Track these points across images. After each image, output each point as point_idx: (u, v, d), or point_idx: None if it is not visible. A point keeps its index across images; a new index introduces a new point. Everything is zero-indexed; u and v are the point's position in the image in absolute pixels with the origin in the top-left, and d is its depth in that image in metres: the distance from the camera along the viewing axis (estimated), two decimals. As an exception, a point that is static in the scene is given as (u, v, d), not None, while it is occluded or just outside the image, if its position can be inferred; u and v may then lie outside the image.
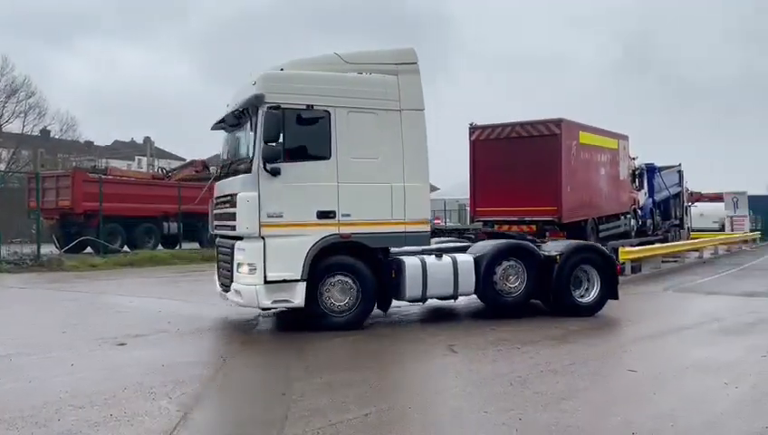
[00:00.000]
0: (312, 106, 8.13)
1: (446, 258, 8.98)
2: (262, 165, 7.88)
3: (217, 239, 9.37)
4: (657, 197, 22.27)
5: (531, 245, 9.93)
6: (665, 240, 21.10)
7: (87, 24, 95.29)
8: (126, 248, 22.32)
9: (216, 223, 9.35)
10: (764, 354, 6.98)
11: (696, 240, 24.25)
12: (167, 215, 23.86)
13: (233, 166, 8.80)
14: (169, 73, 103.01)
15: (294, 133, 8.07)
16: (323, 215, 8.17)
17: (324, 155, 8.22)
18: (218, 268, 9.23)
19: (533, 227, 14.38)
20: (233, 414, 4.99)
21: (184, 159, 44.07)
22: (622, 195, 17.76)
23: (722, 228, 33.87)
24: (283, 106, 7.95)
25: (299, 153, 8.12)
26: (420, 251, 8.94)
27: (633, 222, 18.86)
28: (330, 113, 8.25)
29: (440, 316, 9.95)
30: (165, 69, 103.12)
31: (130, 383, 5.77)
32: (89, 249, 21.03)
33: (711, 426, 4.60)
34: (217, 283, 9.25)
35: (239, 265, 8.08)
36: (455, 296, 9.27)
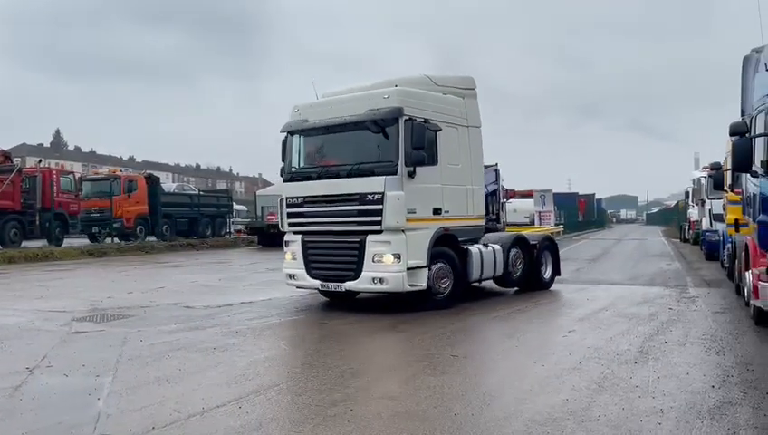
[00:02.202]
0: (429, 120, 9.49)
1: (490, 247, 10.75)
2: (406, 168, 9.09)
3: (303, 236, 10.01)
4: (478, 194, 23.96)
5: (527, 236, 12.46)
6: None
7: None
8: None
9: (316, 220, 9.86)
10: (565, 334, 7.85)
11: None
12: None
13: (349, 167, 9.53)
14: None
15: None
16: (436, 211, 9.75)
17: (435, 161, 9.59)
18: (316, 262, 9.86)
19: None
20: (38, 427, 4.53)
21: (-19, 148, 39.11)
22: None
23: (532, 222, 37.34)
24: (414, 118, 9.22)
25: (422, 159, 9.27)
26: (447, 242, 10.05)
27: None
28: (439, 127, 9.65)
29: (281, 313, 9.87)
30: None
31: None
32: None
33: (521, 401, 5.05)
34: (308, 275, 9.90)
35: (377, 255, 9.11)
36: (492, 278, 11.14)
